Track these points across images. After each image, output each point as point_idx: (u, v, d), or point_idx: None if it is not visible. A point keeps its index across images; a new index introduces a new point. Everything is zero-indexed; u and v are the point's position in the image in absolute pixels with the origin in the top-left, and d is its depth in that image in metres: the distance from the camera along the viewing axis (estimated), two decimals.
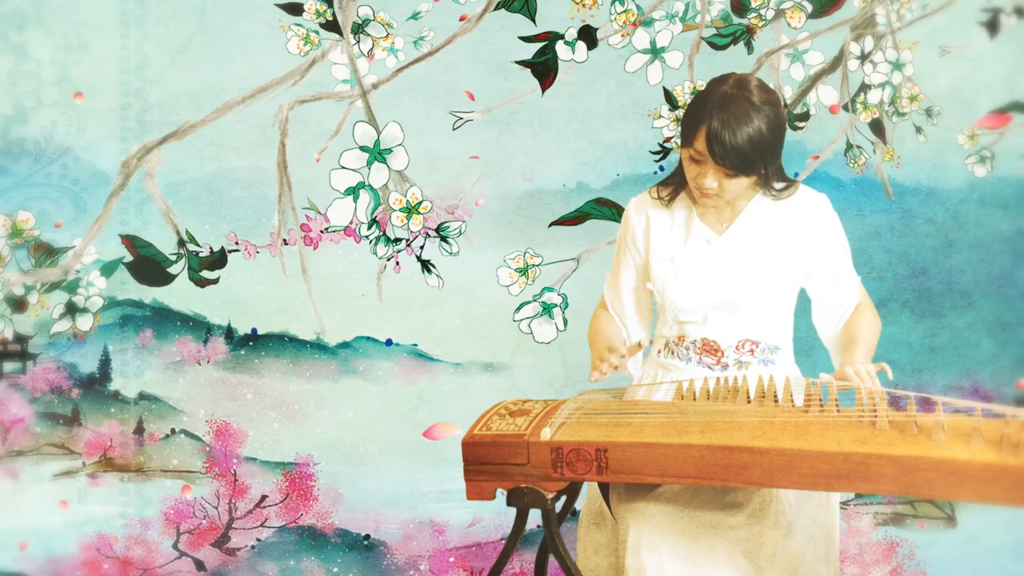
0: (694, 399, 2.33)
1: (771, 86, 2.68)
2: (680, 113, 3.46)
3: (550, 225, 3.47)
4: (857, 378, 2.24)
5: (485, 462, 2.21)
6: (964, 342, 3.53)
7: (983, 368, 3.54)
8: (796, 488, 2.16)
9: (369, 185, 3.43)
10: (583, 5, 3.43)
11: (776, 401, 2.27)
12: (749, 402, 2.27)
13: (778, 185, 2.43)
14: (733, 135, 2.27)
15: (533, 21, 3.42)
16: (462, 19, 3.39)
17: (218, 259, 3.42)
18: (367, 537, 3.47)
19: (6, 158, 3.37)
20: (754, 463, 2.03)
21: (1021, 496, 1.87)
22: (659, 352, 2.54)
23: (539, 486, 2.20)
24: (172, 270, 3.42)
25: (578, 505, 2.59)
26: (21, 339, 3.42)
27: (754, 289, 2.42)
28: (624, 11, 3.43)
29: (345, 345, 3.46)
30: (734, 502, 2.30)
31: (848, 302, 2.49)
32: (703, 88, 2.41)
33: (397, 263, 3.45)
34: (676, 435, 2.12)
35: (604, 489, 2.45)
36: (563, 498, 2.44)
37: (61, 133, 3.38)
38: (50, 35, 3.36)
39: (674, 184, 2.50)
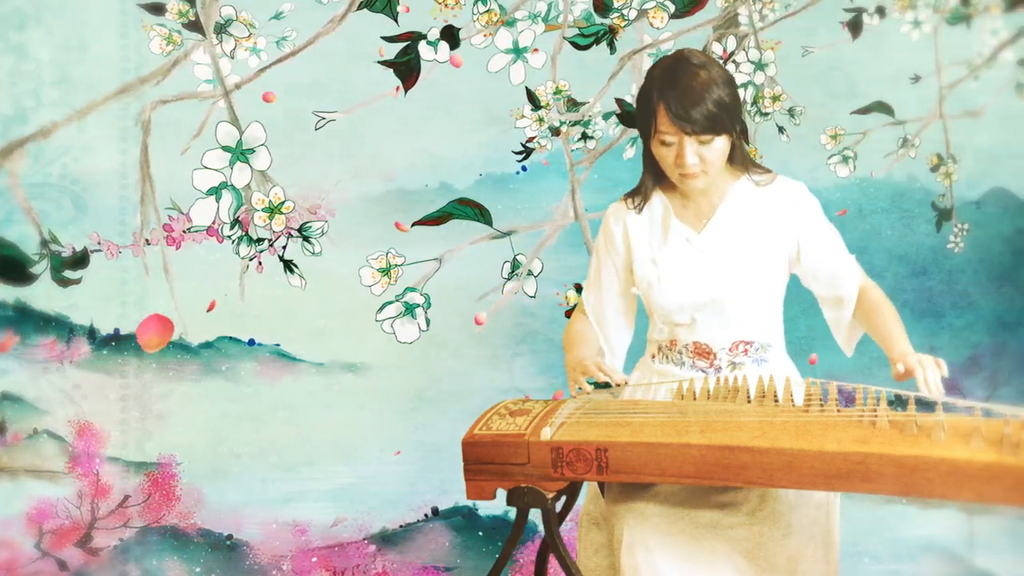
0: (694, 399, 2.33)
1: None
2: (543, 113, 3.46)
3: (412, 225, 3.47)
4: (921, 368, 2.17)
5: (485, 462, 2.22)
6: (964, 342, 3.54)
7: (983, 368, 3.54)
8: (796, 488, 2.16)
9: (231, 185, 3.43)
10: (445, 5, 3.43)
11: (776, 401, 2.27)
12: (749, 402, 2.28)
13: (757, 174, 2.43)
14: (691, 97, 2.26)
15: (396, 21, 3.43)
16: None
17: (80, 259, 3.42)
18: (229, 537, 3.47)
19: (6, 158, 3.37)
20: (754, 463, 2.03)
21: (1021, 496, 1.87)
22: (652, 357, 2.53)
23: (539, 486, 2.21)
24: (35, 270, 3.42)
25: (578, 505, 2.59)
26: None
27: (739, 284, 2.40)
28: (487, 11, 3.43)
29: (207, 345, 3.45)
30: (732, 502, 2.30)
31: (851, 281, 2.44)
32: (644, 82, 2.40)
33: (259, 263, 3.45)
34: (676, 435, 2.12)
35: (604, 488, 2.45)
36: (563, 498, 2.45)
37: (61, 133, 3.38)
38: (50, 35, 3.35)
39: (642, 192, 2.49)
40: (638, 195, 2.49)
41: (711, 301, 2.40)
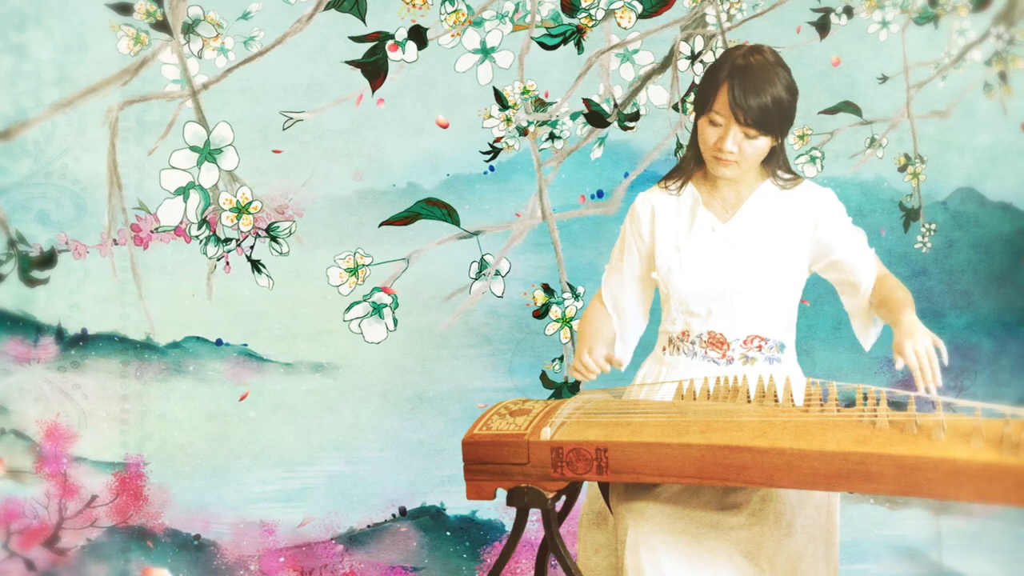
0: (694, 399, 2.34)
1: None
2: (511, 113, 3.46)
3: (380, 225, 3.47)
4: (915, 358, 2.19)
5: (485, 461, 2.23)
6: (964, 342, 3.54)
7: (983, 368, 3.54)
8: (796, 488, 2.17)
9: (199, 185, 3.43)
10: (413, 5, 3.43)
11: (776, 401, 2.28)
12: (749, 402, 2.28)
13: (785, 175, 2.48)
14: (754, 90, 2.32)
15: (363, 21, 3.42)
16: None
17: (48, 259, 3.42)
18: (197, 537, 3.47)
19: (6, 158, 3.37)
20: (754, 463, 2.04)
21: (1021, 496, 1.88)
22: (664, 349, 2.55)
23: (539, 486, 2.22)
24: (2, 270, 3.41)
25: (578, 505, 2.59)
26: None
27: (758, 276, 2.43)
28: (454, 11, 3.43)
29: (175, 345, 3.45)
30: (734, 502, 2.31)
31: (869, 269, 2.49)
32: (718, 58, 2.45)
33: (227, 263, 3.45)
34: (676, 435, 2.13)
35: (604, 489, 2.46)
36: (563, 498, 2.46)
37: (61, 133, 3.38)
38: (50, 35, 3.35)
39: (683, 173, 2.53)
40: (676, 176, 2.54)
41: (729, 291, 2.43)
